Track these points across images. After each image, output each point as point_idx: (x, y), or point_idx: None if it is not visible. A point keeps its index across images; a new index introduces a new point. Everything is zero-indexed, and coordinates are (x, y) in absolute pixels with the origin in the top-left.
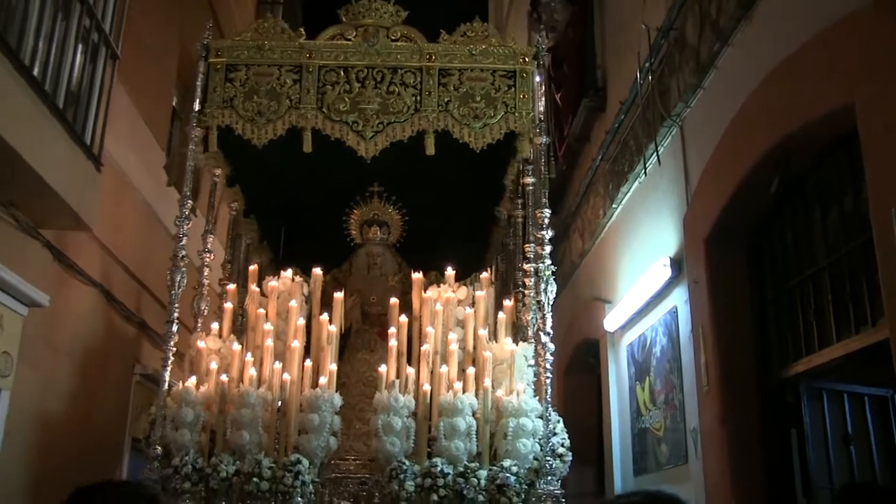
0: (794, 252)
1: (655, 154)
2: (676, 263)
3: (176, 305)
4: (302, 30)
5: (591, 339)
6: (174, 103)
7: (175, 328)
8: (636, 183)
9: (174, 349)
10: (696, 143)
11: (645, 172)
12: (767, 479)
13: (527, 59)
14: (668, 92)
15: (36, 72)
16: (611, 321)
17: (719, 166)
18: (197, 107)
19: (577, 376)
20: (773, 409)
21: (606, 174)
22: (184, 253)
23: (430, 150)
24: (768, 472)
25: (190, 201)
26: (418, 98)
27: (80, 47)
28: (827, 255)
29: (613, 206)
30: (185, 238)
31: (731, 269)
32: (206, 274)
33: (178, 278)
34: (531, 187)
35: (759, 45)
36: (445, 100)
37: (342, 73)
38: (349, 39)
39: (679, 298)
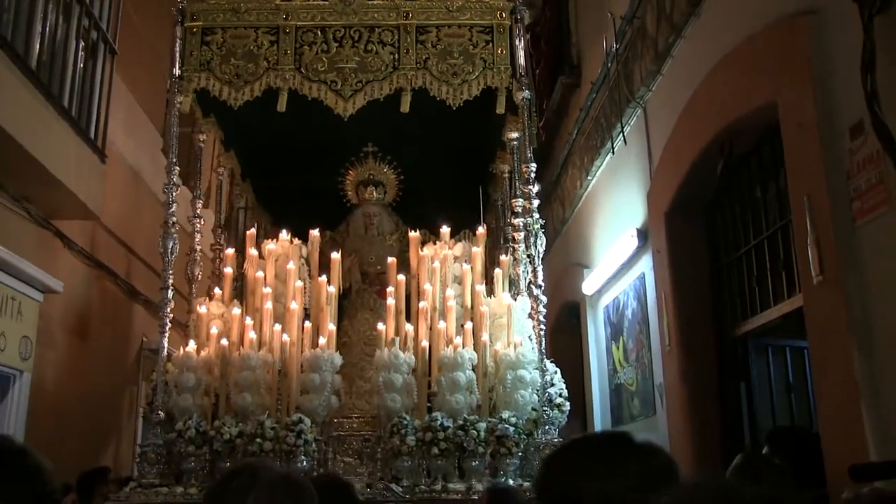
0: (742, 225)
1: (622, 133)
2: (643, 234)
3: (170, 272)
4: None
5: (573, 301)
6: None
7: (170, 294)
8: (608, 157)
9: (171, 315)
10: (658, 123)
11: (613, 151)
12: (721, 427)
13: (504, 15)
14: (632, 76)
15: (42, 75)
16: (588, 285)
17: (676, 147)
18: (177, 72)
19: (563, 336)
20: (726, 364)
21: (582, 148)
22: (174, 219)
23: (405, 107)
24: (722, 420)
25: (177, 168)
26: (396, 56)
27: (80, 46)
28: (766, 228)
29: (588, 178)
30: (174, 205)
31: (689, 240)
32: (197, 240)
33: (171, 245)
34: (515, 142)
35: (706, 40)
36: (424, 57)
37: (319, 32)
38: None
39: (646, 266)
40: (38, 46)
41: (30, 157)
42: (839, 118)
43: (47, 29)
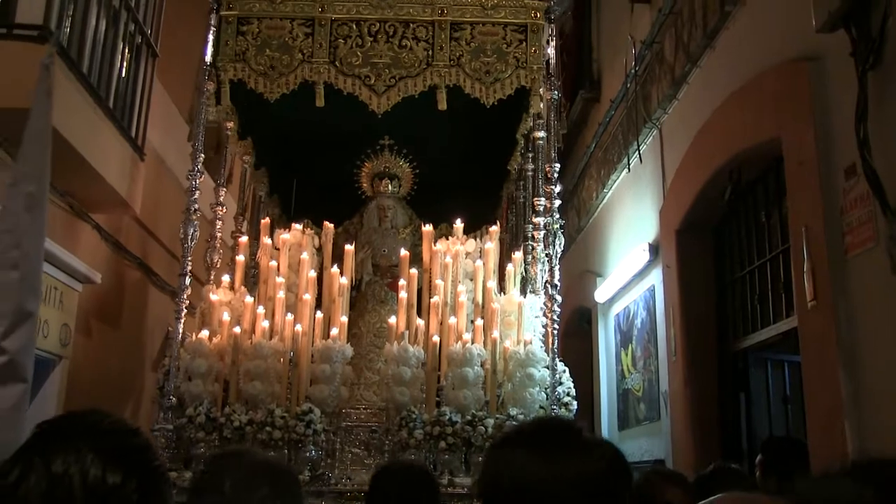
0: (747, 246)
1: (637, 152)
2: (654, 248)
3: (189, 258)
4: None
5: (585, 307)
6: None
7: (188, 281)
8: (623, 173)
9: (187, 302)
10: (672, 145)
11: (629, 167)
12: (720, 433)
13: (538, 14)
14: (649, 97)
15: (93, 79)
16: (601, 293)
17: (688, 169)
18: (209, 59)
19: (574, 340)
20: (727, 375)
21: (599, 161)
22: (196, 206)
23: (442, 105)
24: (721, 427)
25: (202, 155)
26: (430, 52)
27: (125, 50)
28: (769, 251)
29: (605, 190)
30: (197, 192)
31: (697, 258)
32: (218, 227)
33: (192, 231)
34: (541, 141)
35: (720, 72)
36: (457, 54)
37: (354, 26)
38: None
39: (656, 279)
40: (89, 52)
41: (79, 156)
42: (836, 158)
43: (99, 35)
